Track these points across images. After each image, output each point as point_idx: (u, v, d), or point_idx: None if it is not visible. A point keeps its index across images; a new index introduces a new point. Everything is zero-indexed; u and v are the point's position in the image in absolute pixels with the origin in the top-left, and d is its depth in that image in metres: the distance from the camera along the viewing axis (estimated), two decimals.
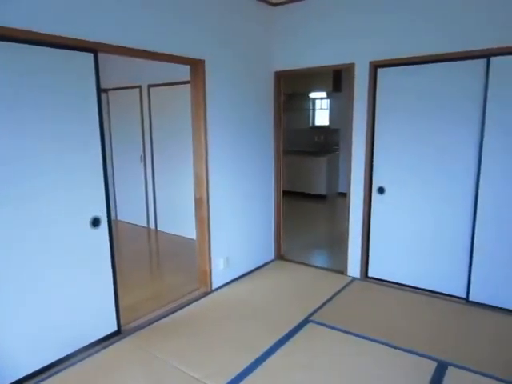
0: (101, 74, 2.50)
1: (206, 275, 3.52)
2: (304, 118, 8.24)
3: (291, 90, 7.84)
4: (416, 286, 3.53)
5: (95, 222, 2.57)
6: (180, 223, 5.13)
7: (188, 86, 3.30)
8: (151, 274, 3.99)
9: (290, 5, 3.78)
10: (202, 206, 3.39)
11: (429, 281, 3.46)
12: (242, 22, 3.55)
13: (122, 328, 2.87)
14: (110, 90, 5.59)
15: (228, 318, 3.07)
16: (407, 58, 3.23)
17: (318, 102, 8.14)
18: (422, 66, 3.22)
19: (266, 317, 3.08)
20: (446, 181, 3.26)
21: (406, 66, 3.29)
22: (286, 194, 7.83)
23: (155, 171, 5.31)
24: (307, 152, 7.92)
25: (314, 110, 8.19)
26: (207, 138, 3.31)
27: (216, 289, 3.58)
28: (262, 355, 2.57)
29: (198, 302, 3.34)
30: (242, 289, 3.60)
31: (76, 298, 2.53)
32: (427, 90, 3.23)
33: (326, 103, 7.99)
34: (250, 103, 3.76)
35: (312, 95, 7.91)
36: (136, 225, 5.70)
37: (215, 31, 3.29)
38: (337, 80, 7.07)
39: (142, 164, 5.42)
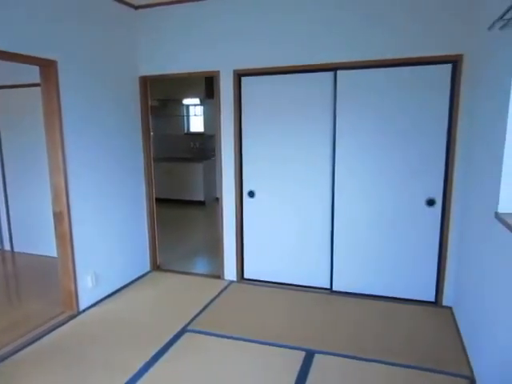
0: None
1: (72, 296, 3.21)
2: (179, 124, 8.16)
3: (164, 96, 7.70)
4: (287, 282, 3.75)
5: None
6: (42, 241, 4.58)
7: None
8: (7, 302, 3.47)
9: (155, 8, 3.69)
10: (62, 220, 3.09)
11: (298, 276, 3.71)
12: (101, 23, 3.34)
13: None
14: None
15: (98, 339, 2.84)
16: (269, 68, 3.42)
17: (191, 109, 8.14)
18: (282, 76, 3.44)
19: (141, 333, 2.93)
20: (309, 182, 3.54)
21: (267, 76, 3.48)
22: (164, 201, 7.66)
23: (7, 184, 4.65)
24: (183, 158, 7.86)
25: (188, 116, 8.17)
26: (64, 148, 3.02)
27: (85, 309, 3.29)
28: (135, 374, 2.44)
29: (63, 326, 3.02)
30: (114, 306, 3.37)
31: None
32: (286, 98, 3.46)
33: (199, 110, 8.04)
34: (114, 109, 3.56)
35: (185, 101, 7.89)
36: None
37: (71, 30, 3.03)
38: (209, 87, 7.17)
39: None
